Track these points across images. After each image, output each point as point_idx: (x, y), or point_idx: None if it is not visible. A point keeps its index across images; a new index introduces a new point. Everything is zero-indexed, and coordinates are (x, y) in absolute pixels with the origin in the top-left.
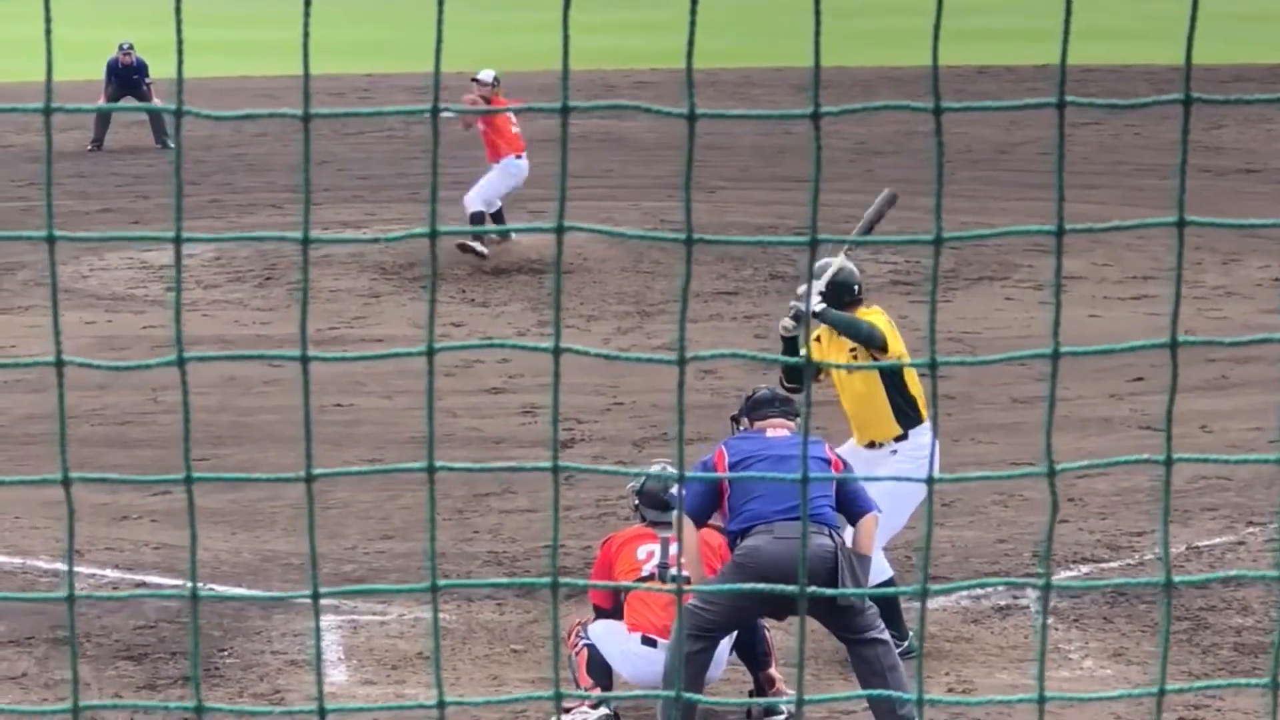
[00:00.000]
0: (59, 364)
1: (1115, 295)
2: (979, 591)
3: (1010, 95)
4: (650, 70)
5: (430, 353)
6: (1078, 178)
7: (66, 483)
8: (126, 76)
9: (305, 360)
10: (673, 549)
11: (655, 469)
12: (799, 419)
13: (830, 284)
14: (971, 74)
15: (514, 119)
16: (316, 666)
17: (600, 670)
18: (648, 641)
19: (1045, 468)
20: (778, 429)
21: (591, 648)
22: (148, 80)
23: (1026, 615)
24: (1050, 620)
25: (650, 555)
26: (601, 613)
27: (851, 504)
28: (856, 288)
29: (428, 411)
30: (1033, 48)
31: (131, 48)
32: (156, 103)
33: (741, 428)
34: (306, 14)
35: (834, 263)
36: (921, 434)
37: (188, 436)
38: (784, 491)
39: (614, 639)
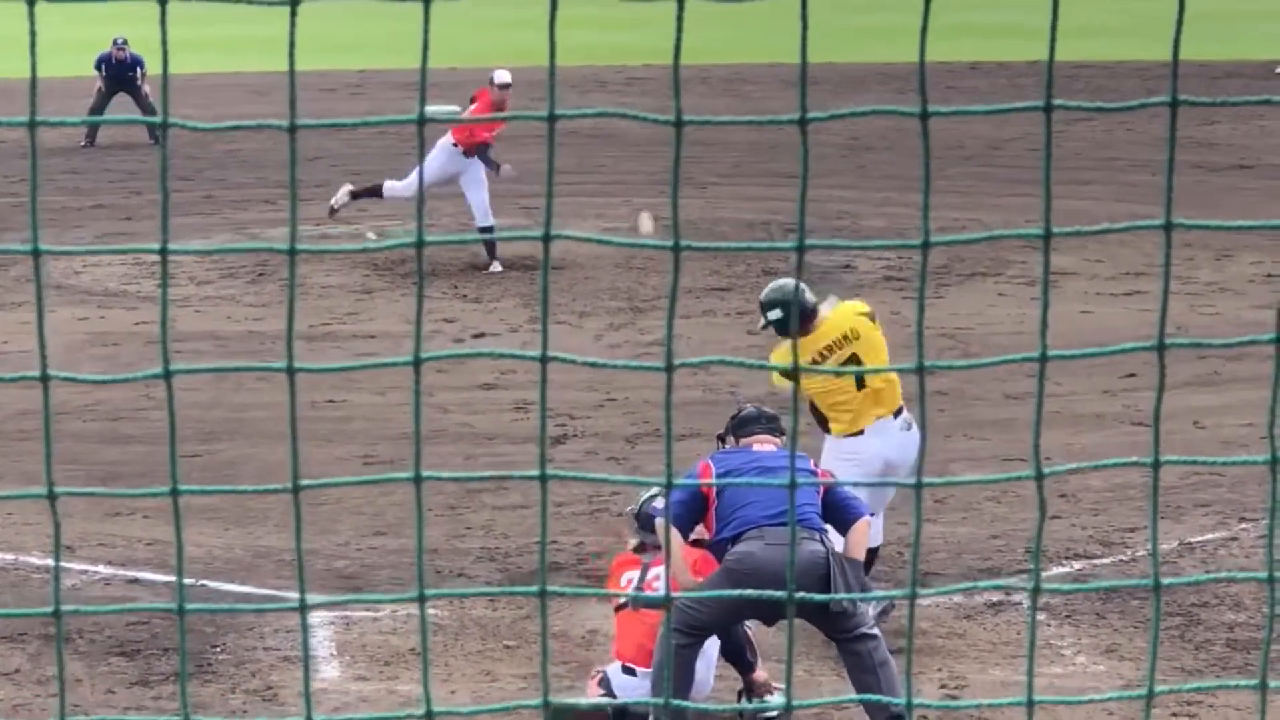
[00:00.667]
0: (44, 379)
1: (1107, 291)
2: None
3: (1002, 91)
4: (643, 66)
5: (417, 362)
6: (1070, 174)
7: (52, 497)
8: (120, 73)
9: (292, 372)
10: (651, 573)
11: (650, 494)
12: (785, 436)
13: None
14: (964, 70)
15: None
16: (304, 678)
17: (608, 687)
18: (627, 670)
19: (1033, 471)
20: (764, 444)
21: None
22: (143, 74)
23: (1019, 611)
24: (1043, 616)
25: (629, 583)
26: None
27: (843, 512)
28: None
29: (415, 421)
30: (1025, 44)
31: (125, 43)
32: (151, 97)
33: (727, 446)
34: (293, 25)
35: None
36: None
37: (174, 451)
38: (773, 499)
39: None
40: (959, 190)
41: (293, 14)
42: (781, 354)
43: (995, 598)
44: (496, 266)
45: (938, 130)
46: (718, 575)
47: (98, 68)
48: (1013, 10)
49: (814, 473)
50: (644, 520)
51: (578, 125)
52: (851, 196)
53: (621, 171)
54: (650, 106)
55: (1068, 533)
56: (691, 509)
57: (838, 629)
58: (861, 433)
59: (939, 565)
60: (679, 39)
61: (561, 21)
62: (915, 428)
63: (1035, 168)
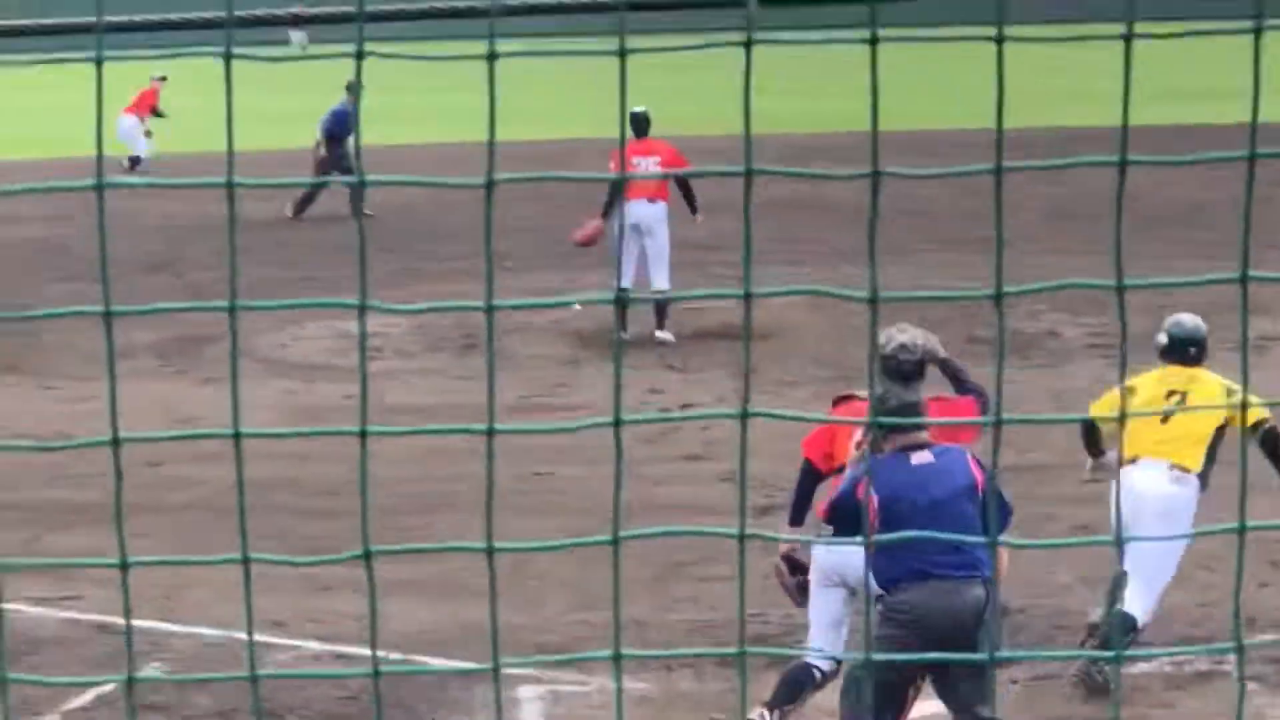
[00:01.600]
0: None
1: None
2: (1181, 657)
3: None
4: (846, 133)
5: (617, 424)
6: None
7: (246, 562)
8: (344, 126)
9: (491, 434)
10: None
11: (903, 337)
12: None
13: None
14: (1171, 134)
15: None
16: None
17: (787, 695)
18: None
19: (1237, 525)
20: (920, 450)
21: (792, 674)
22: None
23: (1229, 681)
24: (1254, 686)
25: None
26: (814, 472)
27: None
28: (1193, 349)
29: (615, 482)
30: (1232, 106)
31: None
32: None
33: (878, 448)
34: (491, 79)
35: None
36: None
37: (365, 515)
38: (939, 540)
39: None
40: (1159, 254)
41: (490, 66)
42: (1110, 399)
43: (1204, 667)
44: (662, 335)
45: (1144, 194)
46: (878, 627)
47: (326, 132)
48: (1218, 74)
49: (975, 484)
50: (889, 366)
51: (776, 194)
52: (1050, 263)
53: (822, 239)
54: (847, 170)
55: (1279, 600)
56: (846, 518)
57: (968, 689)
58: (1132, 461)
59: (1149, 634)
60: (875, 138)
61: (776, 90)
62: (1181, 486)
63: (1232, 229)
